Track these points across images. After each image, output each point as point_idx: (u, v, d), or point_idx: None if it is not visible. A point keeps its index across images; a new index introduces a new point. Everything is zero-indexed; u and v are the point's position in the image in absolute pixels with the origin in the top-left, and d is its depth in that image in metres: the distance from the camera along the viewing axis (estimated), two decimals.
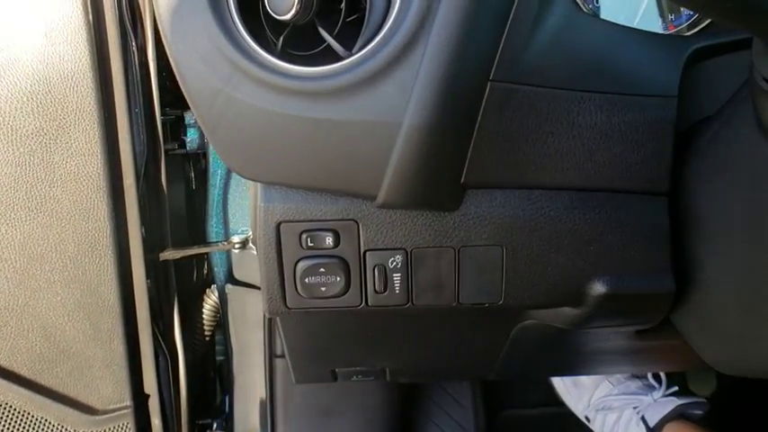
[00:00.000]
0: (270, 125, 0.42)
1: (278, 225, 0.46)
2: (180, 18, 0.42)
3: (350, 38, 0.43)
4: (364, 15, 0.43)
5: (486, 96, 0.43)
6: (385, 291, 0.48)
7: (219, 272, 0.83)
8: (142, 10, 0.62)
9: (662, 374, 0.98)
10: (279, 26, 0.44)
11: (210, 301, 0.85)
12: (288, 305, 0.49)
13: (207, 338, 0.86)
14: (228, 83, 0.42)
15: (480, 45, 0.42)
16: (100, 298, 0.66)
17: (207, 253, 0.82)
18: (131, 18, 0.62)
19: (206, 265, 0.86)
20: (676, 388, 0.96)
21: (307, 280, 0.47)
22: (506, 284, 0.48)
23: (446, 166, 0.44)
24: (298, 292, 0.48)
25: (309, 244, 0.47)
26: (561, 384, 1.08)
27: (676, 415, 0.93)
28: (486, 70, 0.42)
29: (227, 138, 0.43)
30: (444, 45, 0.40)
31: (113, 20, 0.60)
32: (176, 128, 0.71)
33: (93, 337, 0.67)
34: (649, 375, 0.99)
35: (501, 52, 0.42)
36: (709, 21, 0.51)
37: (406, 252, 0.47)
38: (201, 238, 0.81)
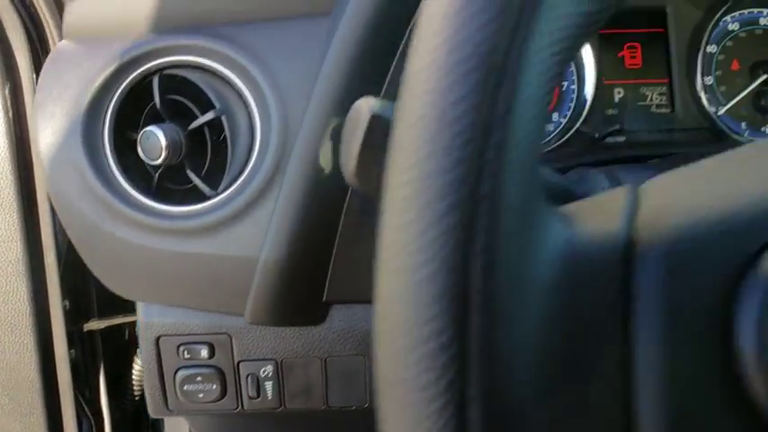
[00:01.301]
0: (144, 257, 0.46)
1: (157, 339, 0.51)
2: (57, 154, 0.46)
3: (219, 172, 0.48)
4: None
5: (340, 226, 0.47)
6: (258, 397, 0.52)
7: None
8: None
9: None
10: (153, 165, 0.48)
11: (140, 360, 0.89)
12: (169, 408, 0.53)
13: (137, 398, 0.89)
14: (103, 221, 0.46)
15: (332, 185, 0.46)
16: (19, 374, 0.69)
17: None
18: None
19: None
20: None
21: (185, 387, 0.51)
22: (371, 390, 0.53)
23: (306, 290, 0.48)
24: (178, 398, 0.52)
25: (186, 356, 0.51)
26: None
27: None
28: (340, 205, 0.47)
29: (104, 265, 0.48)
30: (295, 189, 0.45)
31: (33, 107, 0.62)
32: None
33: (11, 411, 0.70)
34: None
35: (351, 193, 0.46)
36: None
37: (276, 362, 0.51)
38: (130, 304, 0.84)
